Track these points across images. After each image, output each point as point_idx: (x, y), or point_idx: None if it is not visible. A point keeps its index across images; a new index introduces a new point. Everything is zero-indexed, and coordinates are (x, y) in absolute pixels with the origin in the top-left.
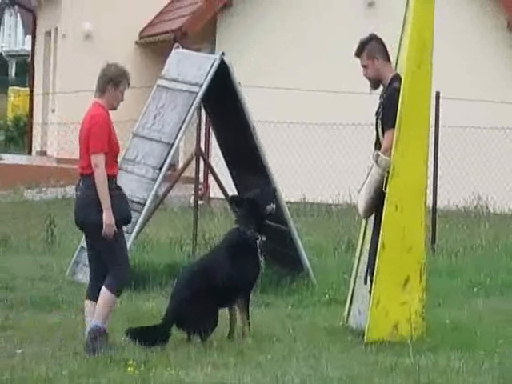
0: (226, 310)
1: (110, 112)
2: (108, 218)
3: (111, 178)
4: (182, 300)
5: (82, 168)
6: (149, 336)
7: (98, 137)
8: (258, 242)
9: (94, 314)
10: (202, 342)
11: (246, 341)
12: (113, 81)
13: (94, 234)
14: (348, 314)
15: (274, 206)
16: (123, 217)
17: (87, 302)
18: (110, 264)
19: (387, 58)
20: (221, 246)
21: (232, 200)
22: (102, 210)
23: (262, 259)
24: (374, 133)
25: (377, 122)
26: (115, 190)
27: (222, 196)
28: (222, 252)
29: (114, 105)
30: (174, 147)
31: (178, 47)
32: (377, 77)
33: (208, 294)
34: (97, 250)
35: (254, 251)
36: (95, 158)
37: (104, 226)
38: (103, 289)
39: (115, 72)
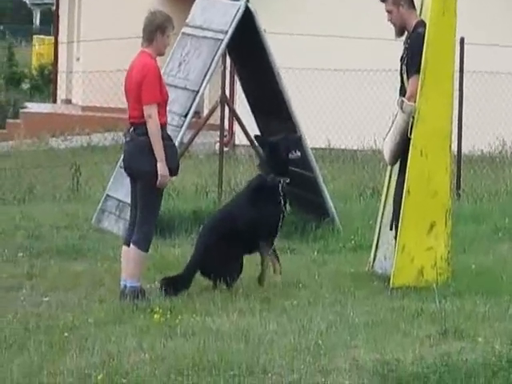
0: (251, 256)
1: None
2: (162, 169)
3: (163, 127)
4: (207, 247)
5: (133, 117)
6: (171, 285)
7: (151, 87)
8: (280, 185)
9: (126, 271)
10: (228, 289)
11: (279, 279)
12: (160, 27)
13: (144, 182)
14: (373, 259)
15: (299, 154)
16: (173, 167)
17: (125, 248)
18: (141, 216)
19: (412, 5)
20: (243, 192)
21: (255, 139)
22: (154, 159)
23: (284, 203)
24: (399, 78)
25: (401, 68)
26: (166, 140)
27: (247, 143)
28: (243, 198)
29: (163, 51)
30: (199, 94)
31: None
32: (401, 23)
33: (232, 240)
34: (138, 197)
35: (276, 195)
36: (149, 109)
37: (159, 177)
38: (131, 246)
39: (161, 18)
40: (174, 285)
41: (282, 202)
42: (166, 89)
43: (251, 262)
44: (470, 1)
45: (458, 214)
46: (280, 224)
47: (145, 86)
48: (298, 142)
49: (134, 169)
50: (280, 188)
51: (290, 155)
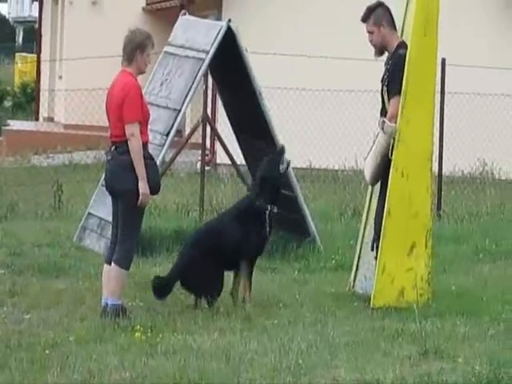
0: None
1: None
2: (144, 188)
3: (144, 146)
4: (190, 259)
5: (115, 136)
6: (154, 287)
7: (133, 106)
8: (267, 213)
9: (107, 289)
10: (209, 307)
11: (247, 307)
12: (140, 46)
13: (125, 200)
14: (354, 279)
15: (288, 160)
16: (154, 186)
17: (106, 266)
18: (123, 234)
19: (393, 26)
20: (229, 211)
21: (248, 187)
22: (136, 178)
23: (269, 229)
24: (380, 99)
25: (382, 89)
26: (148, 159)
27: (229, 162)
28: (230, 217)
29: (143, 69)
30: (180, 113)
31: (184, 14)
32: (382, 43)
33: (214, 256)
34: (120, 215)
35: (262, 221)
36: (131, 128)
37: (140, 196)
38: (113, 264)
39: (140, 37)
40: (158, 287)
41: (268, 228)
42: (147, 107)
43: (231, 282)
44: (452, 22)
45: (439, 234)
46: (263, 248)
47: (126, 105)
48: (282, 154)
49: (115, 187)
50: (267, 215)
51: (280, 173)
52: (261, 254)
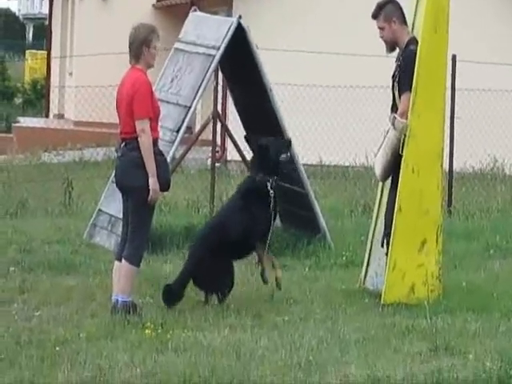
0: (242, 271)
1: None
2: (154, 184)
3: (154, 142)
4: (200, 258)
5: (125, 133)
6: (164, 294)
7: (143, 102)
8: (268, 184)
9: (117, 286)
10: (220, 303)
11: (280, 275)
12: (145, 41)
13: (135, 197)
14: (365, 276)
15: (289, 155)
16: (165, 183)
17: (116, 263)
18: (133, 231)
19: (404, 21)
20: (233, 195)
21: (245, 139)
22: (146, 174)
23: (275, 201)
24: (391, 95)
25: (393, 85)
26: (158, 155)
27: (239, 158)
28: (234, 200)
29: (152, 63)
30: (191, 110)
31: (195, 10)
32: (393, 39)
33: (225, 249)
34: (130, 212)
35: (266, 195)
36: (141, 124)
37: (151, 192)
38: (123, 261)
39: (144, 32)
40: (167, 295)
41: (273, 200)
42: (157, 103)
43: (242, 278)
44: (463, 18)
45: (450, 231)
46: (273, 222)
47: (136, 101)
48: (287, 145)
49: (125, 184)
50: (269, 186)
51: (279, 157)
52: (271, 229)
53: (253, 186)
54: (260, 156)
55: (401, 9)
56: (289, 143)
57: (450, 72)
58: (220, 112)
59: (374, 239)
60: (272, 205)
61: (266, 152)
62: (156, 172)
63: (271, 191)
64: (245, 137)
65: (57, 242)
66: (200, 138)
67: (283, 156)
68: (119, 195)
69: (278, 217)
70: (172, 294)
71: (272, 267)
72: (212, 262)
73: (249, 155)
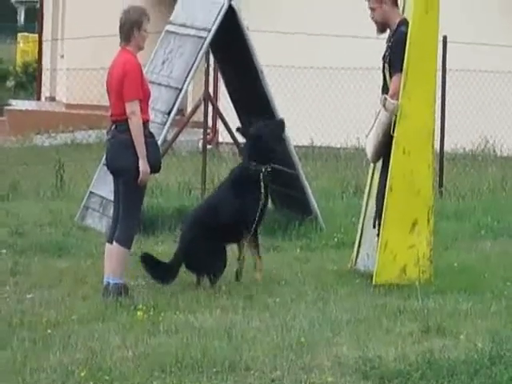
0: (233, 252)
1: None
2: (144, 166)
3: (145, 124)
4: (189, 240)
5: (115, 115)
6: (158, 270)
7: (133, 84)
8: (261, 174)
9: (109, 268)
10: (212, 285)
11: (261, 276)
12: (136, 23)
13: (126, 179)
14: (356, 257)
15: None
16: (155, 164)
17: (108, 245)
18: (124, 213)
19: (395, 3)
20: (224, 182)
21: (237, 131)
22: (136, 156)
23: (266, 190)
24: (382, 77)
25: (384, 66)
26: (148, 137)
27: (231, 140)
28: (224, 187)
29: (142, 45)
30: (182, 92)
31: None
32: (384, 20)
33: (216, 233)
34: (121, 194)
35: (257, 185)
36: (131, 106)
37: (141, 174)
38: (114, 243)
39: (134, 14)
40: (160, 272)
41: (264, 190)
42: (147, 85)
43: (233, 260)
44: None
45: (441, 211)
46: (262, 211)
47: (126, 83)
48: (280, 126)
49: (115, 166)
50: (262, 176)
51: (272, 145)
52: (262, 218)
53: (245, 174)
54: (253, 144)
55: None
56: (282, 124)
57: (441, 53)
58: (211, 94)
59: (366, 220)
60: (263, 195)
61: (259, 141)
62: (146, 154)
63: (263, 182)
64: (237, 129)
65: (48, 224)
66: (191, 120)
67: (278, 139)
68: (110, 177)
69: (269, 201)
70: (165, 272)
71: (254, 268)
72: (203, 243)
73: (240, 138)
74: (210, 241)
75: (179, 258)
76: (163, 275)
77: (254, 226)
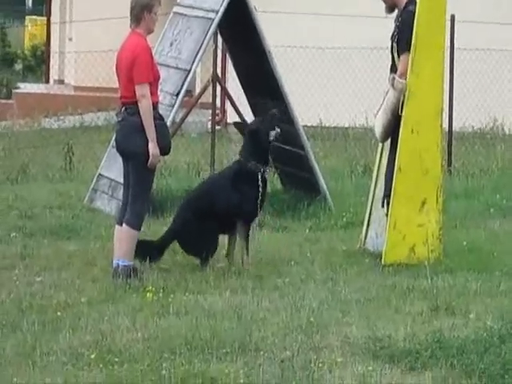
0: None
1: None
2: (154, 148)
3: (154, 106)
4: (185, 221)
5: (125, 97)
6: (143, 250)
7: (143, 67)
8: (259, 174)
9: (118, 250)
10: (202, 267)
11: (246, 270)
12: (147, 6)
13: (135, 161)
14: (365, 236)
15: (279, 130)
16: (165, 147)
17: (117, 227)
18: (134, 195)
19: None
20: (222, 174)
21: (234, 126)
22: (146, 139)
23: (263, 191)
24: (390, 56)
25: (392, 46)
26: (158, 120)
27: (239, 121)
28: (222, 180)
29: (152, 28)
30: (190, 73)
31: None
32: (392, 0)
33: (209, 219)
34: (130, 176)
35: (255, 183)
36: (141, 89)
37: (150, 157)
38: (124, 225)
39: None
40: (149, 252)
41: (261, 189)
42: (157, 68)
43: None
44: None
45: (450, 190)
46: (257, 210)
47: (136, 66)
48: (274, 119)
49: (125, 148)
50: (260, 176)
51: (270, 138)
52: (256, 216)
53: (244, 171)
54: (250, 141)
55: None
56: (275, 115)
57: (449, 32)
58: (219, 75)
59: (375, 200)
60: (260, 194)
61: (257, 138)
62: (156, 136)
63: (261, 181)
64: (233, 124)
65: (58, 207)
66: (200, 101)
67: (273, 134)
68: (119, 159)
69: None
70: (151, 250)
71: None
72: (196, 225)
73: (248, 118)
74: (202, 223)
75: (168, 237)
76: (149, 254)
77: (252, 221)
